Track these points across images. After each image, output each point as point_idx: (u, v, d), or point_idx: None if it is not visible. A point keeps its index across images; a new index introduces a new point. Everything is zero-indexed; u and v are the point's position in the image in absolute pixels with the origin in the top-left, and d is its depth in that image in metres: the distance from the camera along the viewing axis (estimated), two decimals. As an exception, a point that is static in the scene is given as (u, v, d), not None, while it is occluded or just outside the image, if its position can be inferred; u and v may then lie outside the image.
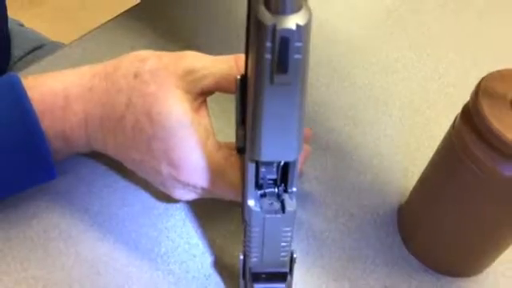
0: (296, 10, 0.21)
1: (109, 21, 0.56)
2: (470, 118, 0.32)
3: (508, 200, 0.33)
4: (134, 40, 0.53)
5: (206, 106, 0.37)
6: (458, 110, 0.34)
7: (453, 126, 0.34)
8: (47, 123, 0.35)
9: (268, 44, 0.22)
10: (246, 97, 0.27)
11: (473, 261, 0.39)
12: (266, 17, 0.21)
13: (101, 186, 0.42)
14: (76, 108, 0.36)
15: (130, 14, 0.57)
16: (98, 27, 0.55)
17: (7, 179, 0.37)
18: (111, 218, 0.40)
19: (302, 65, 0.23)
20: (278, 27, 0.21)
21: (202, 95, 0.36)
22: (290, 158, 0.27)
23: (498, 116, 0.30)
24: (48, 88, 0.36)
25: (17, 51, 0.66)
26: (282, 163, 0.29)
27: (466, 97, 0.33)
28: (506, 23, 0.61)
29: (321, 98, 0.50)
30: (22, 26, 0.74)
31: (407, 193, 0.41)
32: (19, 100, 0.34)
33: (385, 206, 0.43)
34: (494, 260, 0.39)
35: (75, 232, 0.39)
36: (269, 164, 0.29)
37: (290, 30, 0.21)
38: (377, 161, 0.46)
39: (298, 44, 0.22)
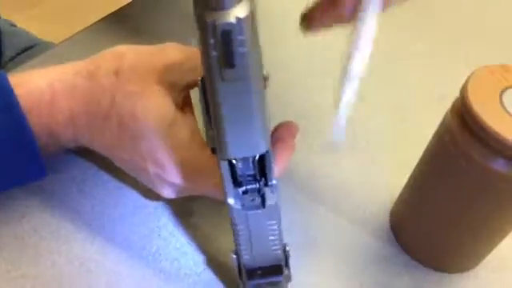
0: (235, 3, 0.21)
1: (99, 20, 0.56)
2: (460, 113, 0.32)
3: (499, 195, 0.33)
4: (124, 39, 0.53)
5: (191, 101, 0.37)
6: (449, 107, 0.34)
7: (443, 123, 0.35)
8: (34, 119, 0.35)
9: (211, 41, 0.22)
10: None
11: (465, 256, 0.39)
12: (206, 14, 0.21)
13: (92, 185, 0.42)
14: (62, 104, 0.35)
15: (121, 13, 0.57)
16: (89, 27, 0.55)
17: (-3, 176, 0.36)
18: (102, 217, 0.40)
19: (250, 58, 0.23)
20: (218, 22, 0.21)
21: (184, 89, 0.36)
22: (258, 152, 0.27)
23: (487, 111, 0.30)
24: (34, 84, 0.35)
25: (8, 51, 0.66)
26: (257, 157, 0.28)
27: (457, 95, 0.33)
28: (496, 21, 0.61)
29: (311, 97, 0.50)
30: (13, 26, 0.74)
31: (399, 190, 0.41)
32: (6, 97, 0.34)
33: (376, 204, 0.43)
34: (485, 256, 0.39)
35: (66, 231, 0.39)
36: (244, 160, 0.29)
37: (229, 24, 0.21)
38: (368, 159, 0.46)
39: (241, 37, 0.22)
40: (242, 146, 0.26)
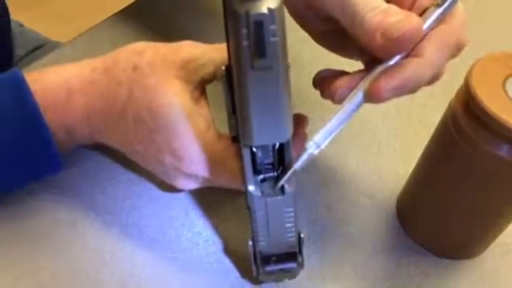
0: None
1: (108, 18, 0.57)
2: (465, 100, 0.33)
3: (504, 181, 0.33)
4: (133, 37, 0.54)
5: (206, 95, 0.38)
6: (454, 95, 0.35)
7: (448, 110, 0.35)
8: (50, 116, 0.36)
9: (244, 31, 0.23)
10: (232, 86, 0.28)
11: (471, 243, 0.40)
12: (239, 5, 0.22)
13: (105, 178, 0.43)
14: (78, 101, 0.36)
15: (129, 11, 0.58)
16: (97, 25, 0.56)
17: (13, 172, 0.37)
18: (116, 209, 0.41)
19: (280, 47, 0.24)
20: (251, 13, 0.22)
21: (201, 84, 0.37)
22: (281, 140, 0.28)
23: (491, 97, 0.31)
24: (50, 81, 0.36)
25: (18, 51, 0.67)
26: (277, 146, 0.29)
27: (461, 83, 0.34)
28: (500, 9, 0.61)
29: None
30: (22, 26, 0.75)
31: (405, 179, 0.42)
32: (22, 94, 0.35)
33: (383, 192, 0.44)
34: (492, 242, 0.40)
35: (81, 224, 0.40)
36: (264, 148, 0.30)
37: (262, 14, 0.22)
38: (375, 148, 0.47)
39: (273, 27, 0.23)
40: (266, 134, 0.27)
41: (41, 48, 0.69)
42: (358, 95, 0.29)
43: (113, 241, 0.39)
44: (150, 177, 0.42)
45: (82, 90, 0.36)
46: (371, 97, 0.28)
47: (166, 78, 0.35)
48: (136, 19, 0.57)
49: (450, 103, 0.35)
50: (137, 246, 0.39)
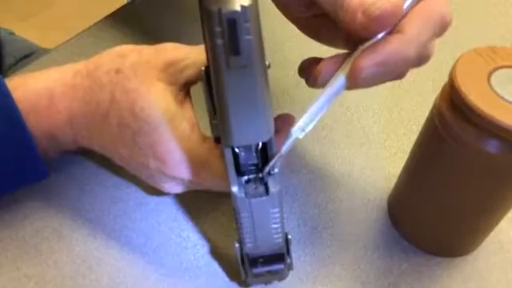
0: None
1: (95, 23, 0.57)
2: (449, 96, 0.32)
3: (492, 176, 0.33)
4: (121, 41, 0.53)
5: (190, 97, 0.37)
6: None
7: (434, 107, 0.35)
8: (33, 123, 0.35)
9: (217, 29, 0.23)
10: (212, 86, 0.27)
11: (462, 240, 0.39)
12: (211, 2, 0.22)
13: (92, 184, 0.42)
14: (60, 106, 0.36)
15: (117, 15, 0.58)
16: (85, 30, 0.56)
17: (-2, 180, 0.37)
18: (103, 214, 0.41)
19: (256, 45, 0.23)
20: (223, 11, 0.22)
21: (185, 86, 0.36)
22: (262, 139, 0.28)
23: (475, 92, 0.31)
24: (32, 87, 0.36)
25: (8, 59, 0.66)
26: (260, 146, 0.29)
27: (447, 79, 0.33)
28: (485, 5, 0.61)
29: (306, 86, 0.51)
30: (12, 34, 0.75)
31: (396, 178, 0.42)
32: (4, 100, 0.35)
33: (374, 192, 0.43)
34: (483, 239, 0.40)
35: (67, 230, 0.39)
36: (246, 149, 0.29)
37: (235, 12, 0.22)
38: (365, 147, 0.46)
39: (246, 24, 0.23)
40: (247, 134, 0.27)
41: (31, 56, 0.69)
42: (341, 77, 0.28)
43: (100, 247, 0.39)
44: (137, 181, 0.41)
45: (64, 95, 0.36)
46: (353, 76, 0.27)
47: (149, 80, 0.35)
48: (123, 24, 0.57)
49: (435, 99, 0.35)
50: (124, 251, 0.39)
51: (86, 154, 0.42)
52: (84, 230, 0.40)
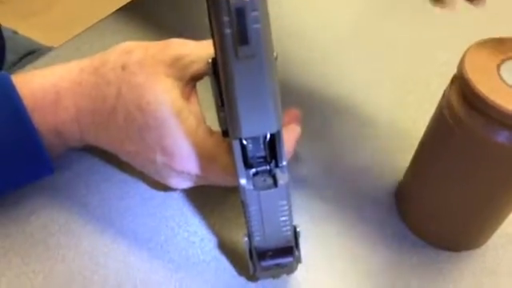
0: None
1: (100, 21, 0.57)
2: (459, 87, 0.32)
3: (501, 168, 0.33)
4: (126, 38, 0.53)
5: (196, 92, 0.37)
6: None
7: (443, 98, 0.35)
8: (39, 119, 0.35)
9: (225, 18, 0.22)
10: (219, 78, 0.27)
11: (472, 233, 0.39)
12: None
13: (98, 180, 0.42)
14: (67, 103, 0.36)
15: (121, 13, 0.58)
16: (90, 27, 0.56)
17: (5, 176, 0.37)
18: (110, 210, 0.40)
19: (264, 34, 0.23)
20: (232, 0, 0.22)
21: (191, 81, 0.36)
22: (270, 130, 0.28)
23: (486, 83, 0.31)
24: (38, 84, 0.36)
25: (10, 56, 0.66)
26: (268, 138, 0.29)
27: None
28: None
29: (313, 80, 0.51)
30: (15, 33, 0.75)
31: (404, 170, 0.41)
32: (9, 97, 0.34)
33: (382, 185, 0.43)
34: (493, 232, 0.39)
35: (74, 226, 0.39)
36: (254, 141, 0.29)
37: (243, 1, 0.22)
38: (372, 141, 0.46)
39: (255, 13, 0.22)
40: (255, 125, 0.27)
41: (33, 53, 0.69)
42: None
43: (107, 242, 0.39)
44: (144, 177, 0.41)
45: (71, 91, 0.36)
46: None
47: (155, 75, 0.35)
48: (128, 20, 0.56)
49: (444, 92, 0.35)
50: (132, 246, 0.39)
51: (92, 150, 0.42)
52: (91, 226, 0.39)
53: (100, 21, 0.57)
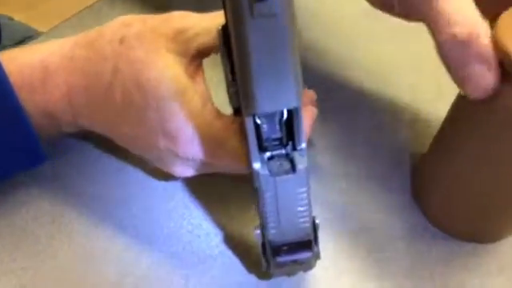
0: None
1: (95, 2, 0.53)
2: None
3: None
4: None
5: (202, 70, 0.34)
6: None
7: None
8: (27, 98, 0.32)
9: None
10: (230, 47, 0.24)
11: (498, 224, 0.35)
12: None
13: (94, 169, 0.39)
14: (57, 80, 0.33)
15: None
16: (84, 10, 0.52)
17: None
18: (107, 202, 0.37)
19: None
20: None
21: (197, 57, 0.33)
22: (289, 105, 0.24)
23: None
24: (25, 60, 0.33)
25: (4, 41, 0.63)
26: (285, 118, 0.25)
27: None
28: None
29: (329, 62, 0.47)
30: (11, 19, 0.72)
31: (419, 157, 0.38)
32: None
33: (399, 174, 0.40)
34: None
35: (68, 218, 0.36)
36: (270, 120, 0.26)
37: None
38: (389, 126, 0.43)
39: None
40: (272, 98, 0.23)
41: (30, 39, 0.65)
42: None
43: (104, 236, 0.35)
44: (144, 165, 0.38)
45: (62, 67, 0.33)
46: None
47: (156, 50, 0.31)
48: (125, 2, 0.53)
49: None
50: (131, 241, 0.35)
51: (87, 136, 0.38)
52: (86, 219, 0.36)
53: (95, 2, 0.53)
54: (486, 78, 0.27)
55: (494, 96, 0.28)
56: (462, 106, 0.32)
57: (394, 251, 0.35)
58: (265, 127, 0.26)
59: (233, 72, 0.26)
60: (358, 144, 0.41)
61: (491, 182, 0.32)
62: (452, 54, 0.28)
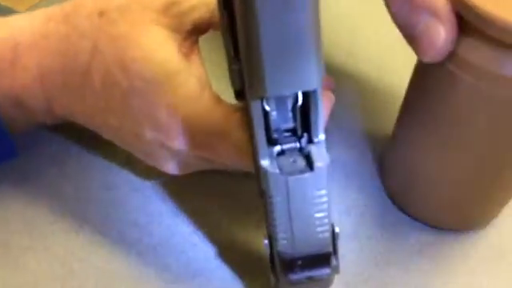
0: None
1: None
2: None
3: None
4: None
5: (199, 49, 0.29)
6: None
7: None
8: None
9: None
10: (233, 16, 0.19)
11: (476, 208, 0.31)
12: None
13: (75, 165, 0.34)
14: (27, 61, 0.28)
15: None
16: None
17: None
18: (89, 203, 0.32)
19: None
20: None
21: (193, 34, 0.28)
22: (308, 87, 0.19)
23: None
24: None
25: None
26: (300, 103, 0.20)
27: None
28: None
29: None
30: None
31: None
32: None
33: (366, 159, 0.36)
34: (498, 209, 0.32)
35: (43, 222, 0.31)
36: (281, 106, 0.21)
37: None
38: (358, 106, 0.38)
39: None
40: (285, 78, 0.18)
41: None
42: None
43: (84, 244, 0.31)
44: (133, 161, 0.33)
45: (33, 46, 0.29)
46: None
47: (143, 24, 0.27)
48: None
49: None
50: (116, 249, 0.31)
51: (67, 127, 0.33)
52: (65, 224, 0.31)
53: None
54: (438, 32, 0.24)
55: (454, 56, 0.24)
56: (423, 74, 0.28)
57: (366, 238, 0.32)
58: (275, 115, 0.21)
59: (236, 46, 0.21)
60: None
61: (462, 161, 0.28)
62: (401, 11, 0.24)
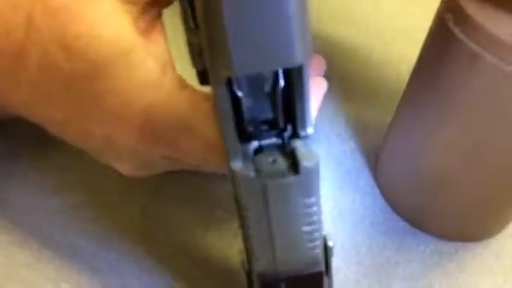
0: None
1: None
2: (453, 4, 0.22)
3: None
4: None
5: (163, 25, 0.25)
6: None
7: (435, 21, 0.24)
8: None
9: None
10: None
11: (483, 218, 0.28)
12: None
13: (22, 167, 0.30)
14: None
15: None
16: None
17: None
18: (37, 212, 0.28)
19: None
20: None
21: (153, 6, 0.24)
22: (291, 62, 0.14)
23: None
24: None
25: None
26: (281, 85, 0.16)
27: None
28: None
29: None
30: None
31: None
32: None
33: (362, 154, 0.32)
34: (509, 219, 0.29)
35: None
36: (256, 90, 0.16)
37: None
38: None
39: None
40: (257, 51, 0.14)
41: None
42: None
43: (31, 258, 0.26)
44: (90, 163, 0.28)
45: None
46: None
47: None
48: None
49: (436, 15, 0.24)
50: (70, 267, 0.26)
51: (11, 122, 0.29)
52: (8, 235, 0.27)
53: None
54: None
55: (473, 30, 0.21)
56: (432, 46, 0.24)
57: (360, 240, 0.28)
58: (249, 102, 0.16)
59: (195, 13, 0.17)
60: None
61: (468, 158, 0.25)
62: None
